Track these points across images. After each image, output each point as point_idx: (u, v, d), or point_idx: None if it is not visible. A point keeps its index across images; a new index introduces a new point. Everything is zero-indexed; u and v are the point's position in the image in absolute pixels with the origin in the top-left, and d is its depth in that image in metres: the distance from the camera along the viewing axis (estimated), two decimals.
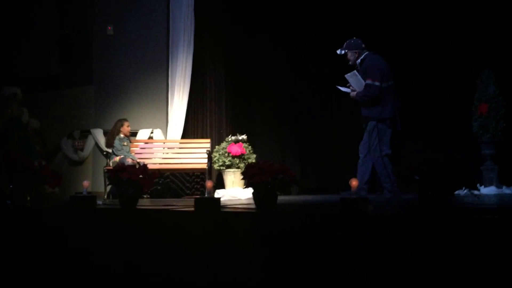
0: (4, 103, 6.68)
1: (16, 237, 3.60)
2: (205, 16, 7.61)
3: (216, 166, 6.95)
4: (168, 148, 7.51)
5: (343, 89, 5.19)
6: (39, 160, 4.36)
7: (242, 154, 6.83)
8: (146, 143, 7.47)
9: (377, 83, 4.83)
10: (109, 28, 7.82)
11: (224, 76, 7.72)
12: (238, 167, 6.78)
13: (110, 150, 7.00)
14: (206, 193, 3.40)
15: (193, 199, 3.52)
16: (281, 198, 3.32)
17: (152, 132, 7.64)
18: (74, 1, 8.25)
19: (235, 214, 3.16)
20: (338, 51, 5.12)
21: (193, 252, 3.02)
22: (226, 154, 6.88)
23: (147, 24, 7.80)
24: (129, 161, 6.47)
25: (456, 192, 3.96)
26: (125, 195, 3.51)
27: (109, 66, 7.88)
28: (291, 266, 2.70)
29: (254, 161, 6.81)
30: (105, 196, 6.67)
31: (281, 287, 2.70)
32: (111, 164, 6.74)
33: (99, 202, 4.18)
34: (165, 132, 7.67)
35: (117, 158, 6.71)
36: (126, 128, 6.99)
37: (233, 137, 7.04)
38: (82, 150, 7.78)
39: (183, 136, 7.65)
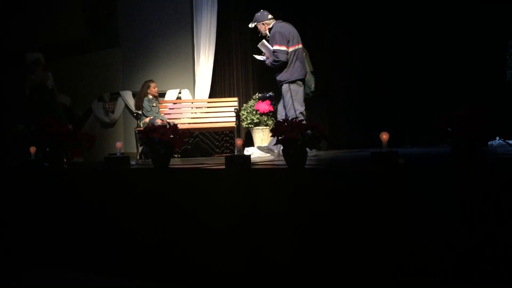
0: (28, 69, 6.83)
1: (53, 199, 3.74)
2: None
3: (244, 124, 6.97)
4: (196, 107, 7.56)
5: (258, 57, 5.63)
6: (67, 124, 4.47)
7: (270, 111, 6.82)
8: (174, 103, 7.53)
9: (283, 48, 5.25)
10: None
11: (249, 32, 7.62)
12: (266, 125, 6.79)
13: (140, 112, 7.10)
14: (235, 150, 3.43)
15: (223, 157, 3.56)
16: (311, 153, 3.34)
17: (180, 93, 7.69)
18: None
19: (266, 171, 3.19)
20: (250, 25, 5.59)
21: (225, 208, 3.09)
22: (254, 112, 6.88)
23: None
24: (158, 122, 6.56)
25: (490, 143, 3.88)
26: (157, 155, 3.57)
27: (135, 28, 7.89)
28: (323, 222, 2.74)
29: None
30: (138, 157, 6.82)
31: (312, 240, 2.76)
32: (141, 125, 6.85)
33: (133, 162, 4.28)
34: (192, 92, 7.70)
35: (147, 119, 6.81)
36: (153, 89, 7.06)
37: (260, 95, 7.01)
38: (113, 112, 7.92)
39: (211, 95, 7.67)
